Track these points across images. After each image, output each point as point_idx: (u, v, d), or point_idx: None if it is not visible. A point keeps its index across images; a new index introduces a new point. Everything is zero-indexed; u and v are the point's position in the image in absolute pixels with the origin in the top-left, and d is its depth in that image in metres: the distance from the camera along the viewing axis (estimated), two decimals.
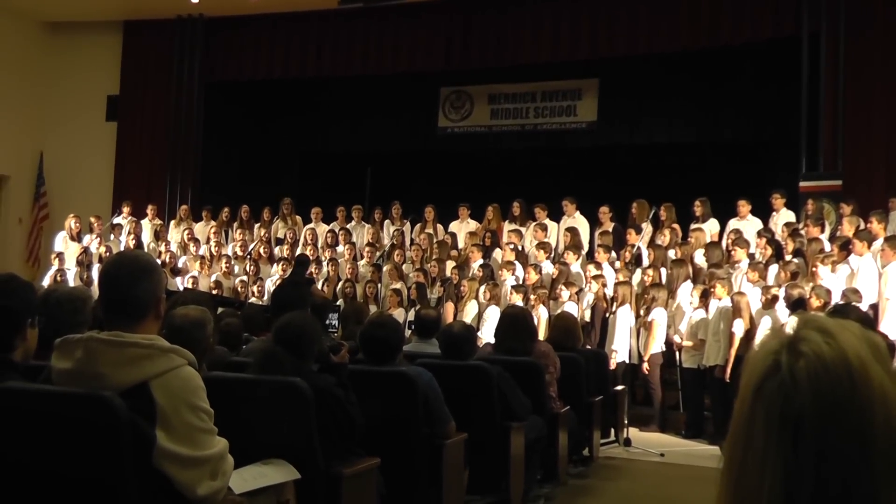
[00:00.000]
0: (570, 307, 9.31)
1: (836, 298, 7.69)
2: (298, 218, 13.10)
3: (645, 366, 8.91)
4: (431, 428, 4.44)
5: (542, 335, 8.32)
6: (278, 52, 14.32)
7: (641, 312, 9.17)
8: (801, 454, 1.01)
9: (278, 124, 15.37)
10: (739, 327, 8.12)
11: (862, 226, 9.01)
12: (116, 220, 13.31)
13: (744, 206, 10.42)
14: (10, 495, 2.59)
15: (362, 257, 11.75)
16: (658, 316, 8.90)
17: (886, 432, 1.00)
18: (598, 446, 7.14)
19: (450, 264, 10.98)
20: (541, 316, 9.32)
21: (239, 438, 2.79)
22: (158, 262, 10.82)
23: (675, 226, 10.60)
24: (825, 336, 1.05)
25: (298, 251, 12.00)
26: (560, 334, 6.98)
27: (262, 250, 12.18)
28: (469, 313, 9.94)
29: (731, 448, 1.07)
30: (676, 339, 8.98)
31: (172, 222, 13.58)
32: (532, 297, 9.57)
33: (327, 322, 8.07)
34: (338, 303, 10.48)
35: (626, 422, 8.00)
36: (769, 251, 9.23)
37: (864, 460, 0.99)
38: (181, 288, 11.05)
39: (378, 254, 11.69)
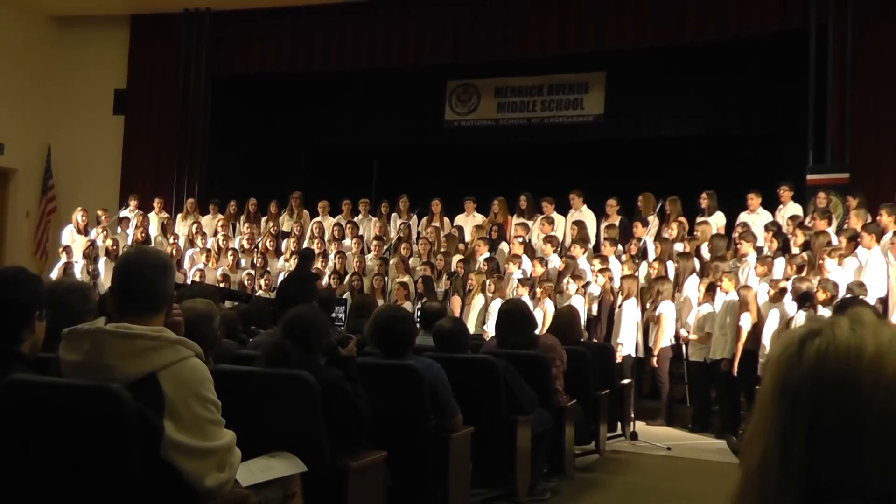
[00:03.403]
0: (577, 300, 9.31)
1: (842, 292, 7.67)
2: (305, 211, 13.13)
3: (654, 359, 8.91)
4: (438, 419, 4.44)
5: (546, 329, 8.32)
6: (285, 46, 14.32)
7: (647, 306, 9.15)
8: (795, 427, 1.04)
9: (285, 118, 15.38)
10: (746, 321, 8.11)
11: (870, 219, 8.98)
12: (123, 214, 13.35)
13: (754, 199, 10.39)
14: (20, 487, 2.60)
15: (369, 251, 11.76)
16: (666, 309, 8.89)
17: (882, 423, 1.01)
18: (604, 440, 7.14)
19: (456, 258, 10.99)
20: (547, 309, 9.32)
21: (246, 431, 2.80)
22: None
23: (682, 219, 10.58)
24: (855, 324, 1.07)
25: (305, 245, 12.03)
26: (561, 329, 6.96)
27: (268, 244, 12.20)
28: (475, 307, 9.95)
29: (750, 420, 1.12)
30: (683, 332, 8.97)
31: (179, 216, 13.61)
32: (538, 290, 9.57)
33: (333, 315, 8.10)
34: (344, 296, 10.51)
35: (632, 415, 8.00)
36: (776, 244, 9.21)
37: (855, 443, 1.01)
38: (188, 282, 11.07)
39: (385, 247, 11.70)
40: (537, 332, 6.55)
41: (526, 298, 8.94)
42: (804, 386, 1.04)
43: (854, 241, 8.69)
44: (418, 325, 6.06)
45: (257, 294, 10.63)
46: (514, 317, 6.06)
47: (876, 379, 1.02)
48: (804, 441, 1.03)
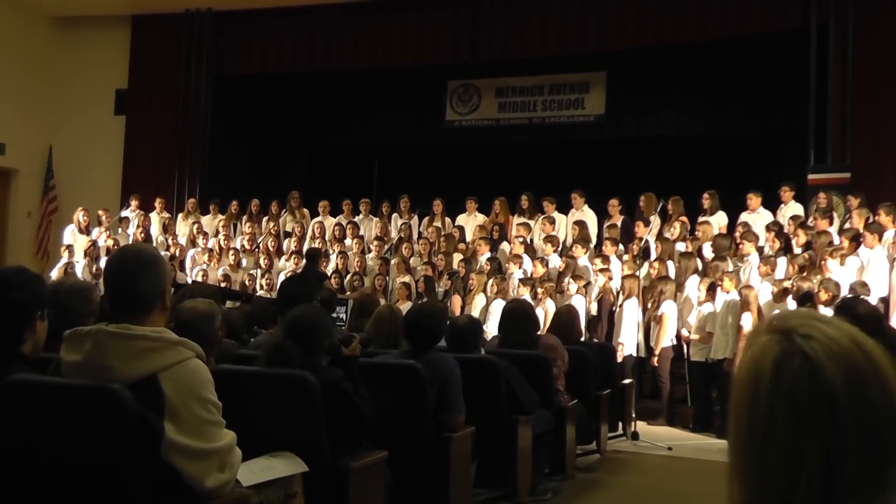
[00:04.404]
0: (578, 300, 9.30)
1: (844, 291, 7.67)
2: (306, 211, 13.15)
3: (654, 359, 8.90)
4: (441, 413, 4.45)
5: (547, 328, 8.33)
6: (286, 46, 14.32)
7: (649, 305, 9.15)
8: (840, 428, 1.01)
9: (286, 118, 15.39)
10: (747, 321, 8.10)
11: (872, 219, 8.98)
12: (124, 214, 13.37)
13: (753, 199, 10.39)
14: (21, 487, 2.60)
15: (370, 251, 11.77)
16: (668, 309, 8.89)
17: None
18: (605, 440, 7.14)
19: (457, 257, 11.00)
20: (548, 309, 9.31)
21: (247, 431, 2.80)
22: (166, 255, 10.89)
23: (684, 218, 10.59)
24: (821, 322, 1.07)
25: (306, 245, 12.03)
26: (560, 329, 6.96)
27: (270, 244, 12.21)
28: (476, 306, 9.95)
29: (746, 446, 1.07)
30: (684, 332, 8.97)
31: (180, 215, 13.62)
32: (539, 290, 9.57)
33: (335, 315, 8.10)
34: (346, 295, 10.51)
35: (633, 415, 8.00)
36: (778, 244, 9.20)
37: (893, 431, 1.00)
38: (189, 281, 11.07)
39: (386, 247, 11.70)
40: (539, 332, 6.56)
41: (527, 298, 8.94)
42: (839, 389, 1.02)
43: (856, 240, 8.69)
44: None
45: (258, 294, 10.63)
46: (519, 316, 6.08)
47: (884, 363, 1.02)
48: (856, 439, 1.01)
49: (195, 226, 12.83)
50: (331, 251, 11.84)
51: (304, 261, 11.17)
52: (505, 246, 11.21)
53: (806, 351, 1.05)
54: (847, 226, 9.31)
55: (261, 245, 12.25)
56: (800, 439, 1.03)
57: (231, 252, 12.05)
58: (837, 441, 1.01)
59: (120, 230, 12.94)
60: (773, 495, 1.04)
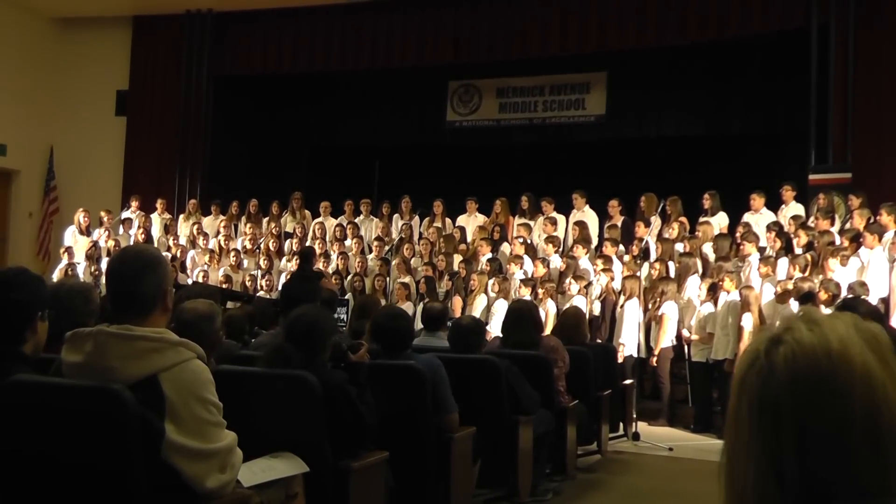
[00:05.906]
0: (579, 301, 9.30)
1: (844, 292, 7.67)
2: (307, 212, 13.14)
3: (653, 359, 8.90)
4: (434, 415, 4.44)
5: (549, 329, 8.33)
6: (287, 46, 14.33)
7: (649, 306, 9.15)
8: (783, 439, 1.02)
9: (287, 118, 15.38)
10: (748, 321, 8.10)
11: (872, 219, 8.97)
12: (125, 215, 13.37)
13: (757, 200, 10.36)
14: (21, 488, 2.60)
15: (370, 251, 11.76)
16: (669, 310, 8.88)
17: (866, 415, 1.01)
18: (606, 440, 7.14)
19: (457, 258, 11.00)
20: (549, 310, 9.32)
21: (248, 432, 2.80)
22: (167, 256, 10.88)
23: (683, 219, 10.58)
24: (810, 325, 1.06)
25: (307, 245, 12.03)
26: (566, 330, 6.97)
27: (271, 244, 12.20)
28: (478, 307, 9.94)
29: (725, 442, 1.10)
30: (685, 332, 8.97)
31: (182, 216, 13.62)
32: (540, 290, 9.57)
33: (336, 315, 8.09)
34: (346, 296, 10.51)
35: (634, 416, 8.00)
36: (779, 245, 9.20)
37: (846, 440, 1.00)
38: (189, 282, 11.08)
39: (386, 248, 11.70)
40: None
41: (528, 299, 8.94)
42: (783, 396, 1.03)
43: (857, 241, 8.68)
44: (422, 326, 6.06)
45: (259, 295, 10.63)
46: (523, 316, 6.08)
47: (849, 371, 1.02)
48: (795, 452, 1.02)
49: (196, 227, 12.83)
50: (331, 252, 11.84)
51: (300, 260, 11.17)
52: (505, 246, 11.20)
53: (764, 358, 1.06)
54: (848, 226, 9.29)
55: (262, 246, 12.25)
56: (752, 444, 1.04)
57: (232, 253, 12.05)
58: (780, 451, 1.02)
59: (121, 231, 12.94)
60: (738, 496, 1.06)
